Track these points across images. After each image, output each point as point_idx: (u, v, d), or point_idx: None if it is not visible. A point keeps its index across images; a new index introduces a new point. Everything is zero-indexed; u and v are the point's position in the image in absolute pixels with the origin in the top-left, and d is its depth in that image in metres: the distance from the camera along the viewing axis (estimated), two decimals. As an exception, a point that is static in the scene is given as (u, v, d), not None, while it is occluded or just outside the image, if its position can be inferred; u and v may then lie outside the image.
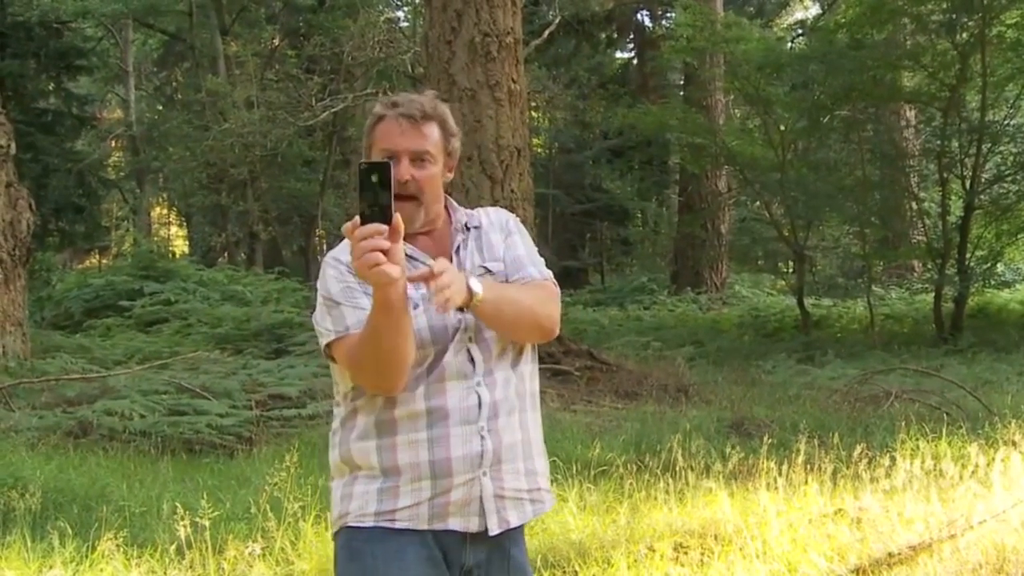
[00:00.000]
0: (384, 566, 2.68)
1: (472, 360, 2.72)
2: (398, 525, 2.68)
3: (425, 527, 2.68)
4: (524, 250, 2.91)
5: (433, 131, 2.80)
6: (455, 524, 2.70)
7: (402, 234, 2.38)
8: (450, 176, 2.88)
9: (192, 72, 32.65)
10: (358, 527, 2.72)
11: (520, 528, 2.85)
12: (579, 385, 12.31)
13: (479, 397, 2.70)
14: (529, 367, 2.87)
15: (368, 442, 2.72)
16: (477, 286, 2.59)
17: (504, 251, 2.89)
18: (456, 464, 2.67)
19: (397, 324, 2.49)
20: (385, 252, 2.33)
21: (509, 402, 2.76)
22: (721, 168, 25.35)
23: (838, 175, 19.79)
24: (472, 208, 2.99)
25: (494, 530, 2.72)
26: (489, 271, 2.82)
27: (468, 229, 2.89)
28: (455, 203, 2.95)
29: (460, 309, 2.62)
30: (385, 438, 2.70)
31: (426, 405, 2.67)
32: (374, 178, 2.40)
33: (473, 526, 2.71)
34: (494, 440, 2.71)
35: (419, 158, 2.76)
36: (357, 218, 2.38)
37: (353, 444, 2.75)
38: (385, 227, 2.35)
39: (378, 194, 2.39)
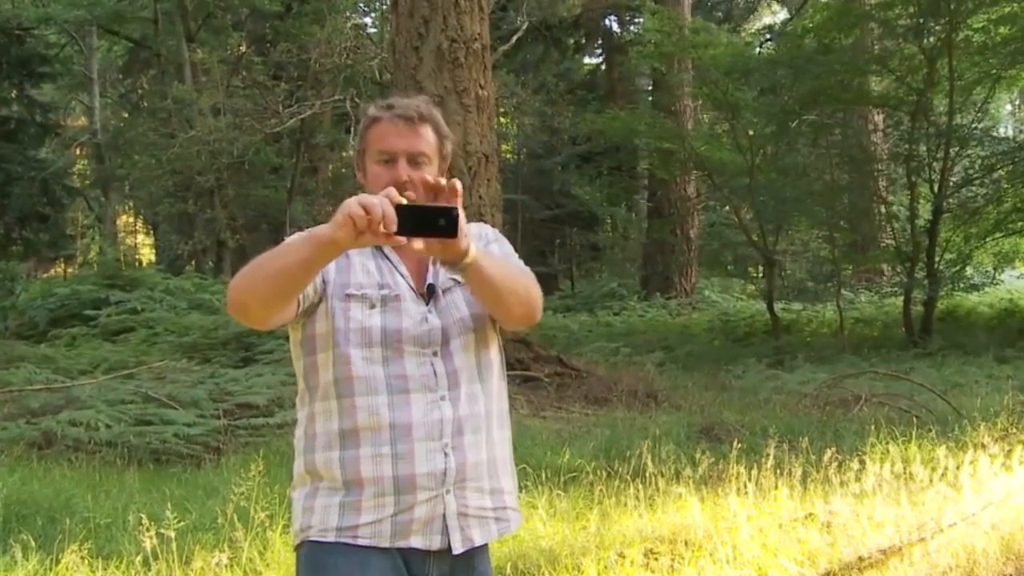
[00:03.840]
0: None
1: (436, 373, 2.68)
2: (360, 542, 2.64)
3: (387, 544, 2.64)
4: (509, 250, 2.90)
5: (428, 133, 2.80)
6: (417, 542, 2.66)
7: (401, 243, 2.36)
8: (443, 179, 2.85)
9: (158, 79, 32.43)
10: (320, 542, 2.68)
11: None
12: (549, 391, 12.29)
13: (442, 412, 2.66)
14: (497, 385, 2.83)
15: (332, 452, 2.68)
16: (471, 241, 2.53)
17: None
18: (420, 480, 2.63)
19: (307, 262, 2.43)
20: (375, 225, 2.29)
21: (475, 419, 2.72)
22: (690, 173, 25.47)
23: (807, 179, 19.90)
24: None
25: (458, 549, 2.68)
26: (458, 282, 2.77)
27: None
28: None
29: (451, 265, 2.57)
30: (349, 450, 2.66)
31: (390, 417, 2.63)
32: (441, 221, 2.38)
33: (435, 544, 2.67)
34: (458, 458, 2.67)
35: (415, 160, 2.75)
36: (393, 191, 2.36)
37: (318, 454, 2.71)
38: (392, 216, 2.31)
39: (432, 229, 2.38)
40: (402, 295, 2.71)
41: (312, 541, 2.69)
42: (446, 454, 2.66)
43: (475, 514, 2.72)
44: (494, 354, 2.84)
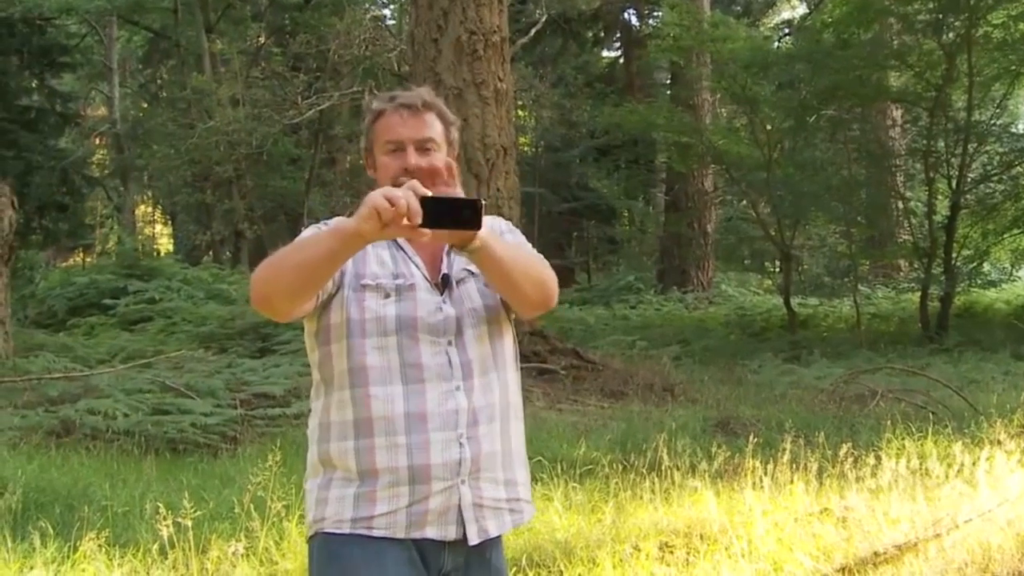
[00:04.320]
0: (364, 568, 2.64)
1: (451, 363, 2.69)
2: (375, 533, 2.64)
3: (403, 535, 2.65)
4: (521, 240, 2.92)
5: (434, 120, 2.82)
6: (432, 533, 2.66)
7: (426, 236, 2.40)
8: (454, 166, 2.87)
9: (177, 69, 32.49)
10: (335, 533, 2.68)
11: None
12: (565, 384, 12.30)
13: (457, 402, 2.67)
14: (512, 375, 2.84)
15: (346, 442, 2.68)
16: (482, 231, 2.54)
17: None
18: (435, 471, 2.63)
19: (332, 254, 2.46)
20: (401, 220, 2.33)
21: (490, 410, 2.73)
22: (707, 167, 25.42)
23: (824, 174, 19.83)
24: None
25: (474, 540, 2.68)
26: (472, 273, 2.79)
27: None
28: None
29: (460, 248, 2.57)
30: (363, 439, 2.66)
31: (404, 407, 2.64)
32: (468, 212, 2.41)
33: (451, 535, 2.67)
34: (473, 448, 2.68)
35: (424, 146, 2.77)
36: (416, 184, 2.39)
37: (332, 444, 2.71)
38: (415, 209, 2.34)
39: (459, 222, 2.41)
40: (416, 284, 2.72)
41: (326, 532, 2.70)
42: (461, 444, 2.66)
43: (490, 505, 2.72)
44: (508, 345, 2.84)
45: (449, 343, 2.70)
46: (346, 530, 2.66)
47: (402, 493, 2.63)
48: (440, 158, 2.79)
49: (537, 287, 2.73)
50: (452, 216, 2.39)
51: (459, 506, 2.67)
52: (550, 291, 2.78)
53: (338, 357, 2.71)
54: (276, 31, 31.67)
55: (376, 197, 2.33)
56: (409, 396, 2.65)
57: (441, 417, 2.65)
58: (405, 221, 2.33)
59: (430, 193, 2.40)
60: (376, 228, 2.34)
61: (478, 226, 2.41)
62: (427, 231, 2.37)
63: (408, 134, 2.76)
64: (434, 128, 2.81)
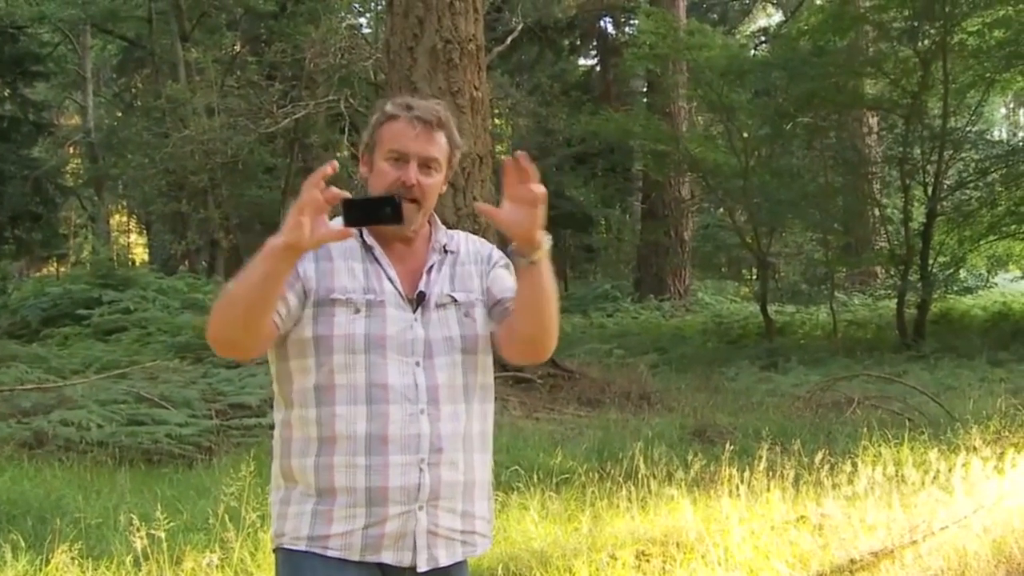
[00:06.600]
0: None
1: (416, 385, 2.66)
2: (330, 553, 2.63)
3: (357, 558, 2.63)
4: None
5: (442, 140, 2.78)
6: (388, 558, 2.65)
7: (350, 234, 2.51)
8: (444, 188, 2.84)
9: (152, 78, 32.39)
10: (293, 550, 2.68)
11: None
12: (542, 393, 12.27)
13: (420, 426, 2.64)
14: (480, 406, 2.80)
15: (307, 459, 2.67)
16: (546, 241, 2.57)
17: (494, 282, 2.84)
18: (392, 494, 2.62)
19: (268, 275, 2.44)
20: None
21: (454, 439, 2.70)
22: (684, 175, 25.47)
23: (801, 182, 19.91)
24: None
25: (422, 567, 2.67)
26: (455, 300, 2.76)
27: (446, 252, 2.83)
28: (438, 219, 2.89)
29: (522, 255, 2.59)
30: (323, 457, 2.64)
31: (367, 427, 2.62)
32: (388, 209, 2.46)
33: (406, 561, 2.66)
34: (433, 475, 2.65)
35: (427, 165, 2.73)
36: (334, 188, 2.40)
37: (294, 459, 2.70)
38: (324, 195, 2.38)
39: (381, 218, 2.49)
40: (386, 301, 2.68)
41: (286, 548, 2.70)
42: (421, 470, 2.64)
43: (444, 534, 2.70)
44: (482, 377, 2.80)
45: (417, 364, 2.67)
46: (303, 547, 2.66)
47: (359, 514, 2.62)
48: (440, 179, 2.77)
49: (551, 335, 2.73)
50: (374, 213, 2.46)
51: (414, 532, 2.65)
52: (553, 345, 2.76)
53: (302, 373, 2.69)
54: (251, 40, 31.60)
55: (294, 209, 2.36)
56: (372, 417, 2.62)
57: (403, 441, 2.63)
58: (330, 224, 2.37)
59: (350, 195, 2.42)
60: (303, 236, 2.34)
61: (400, 220, 2.48)
62: (352, 230, 2.45)
63: (416, 149, 2.71)
64: (441, 148, 2.76)
